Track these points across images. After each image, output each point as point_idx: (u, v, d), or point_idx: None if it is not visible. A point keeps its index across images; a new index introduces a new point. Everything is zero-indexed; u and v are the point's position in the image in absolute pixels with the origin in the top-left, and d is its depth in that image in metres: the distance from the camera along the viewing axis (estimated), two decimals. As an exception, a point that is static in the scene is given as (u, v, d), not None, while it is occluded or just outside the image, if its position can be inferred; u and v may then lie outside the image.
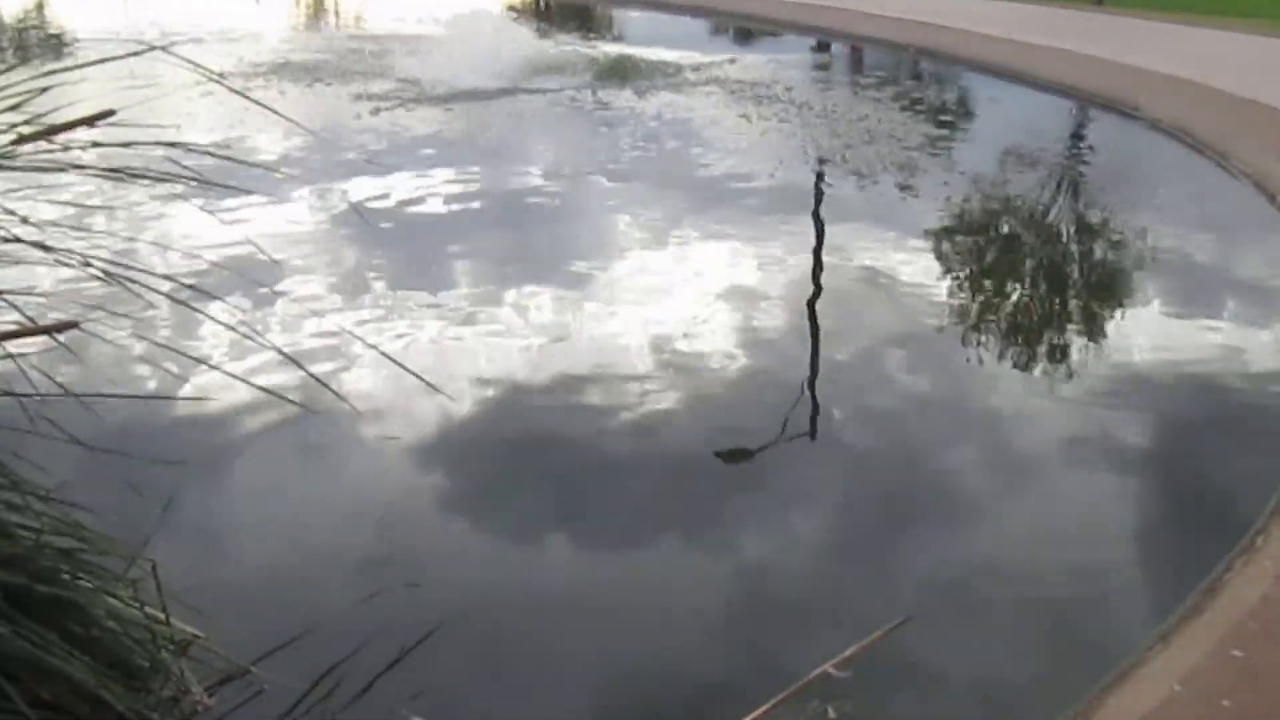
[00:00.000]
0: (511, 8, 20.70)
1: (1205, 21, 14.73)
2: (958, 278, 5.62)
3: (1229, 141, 7.63)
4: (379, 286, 5.13)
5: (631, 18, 17.65)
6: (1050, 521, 3.41)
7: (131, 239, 4.61)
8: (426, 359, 4.29)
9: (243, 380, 3.23)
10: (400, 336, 4.52)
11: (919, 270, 5.54)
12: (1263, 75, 9.74)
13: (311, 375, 2.93)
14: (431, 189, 6.78)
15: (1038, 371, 4.58)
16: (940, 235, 6.18)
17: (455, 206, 6.47)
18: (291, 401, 3.30)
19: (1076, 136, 9.17)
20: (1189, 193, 7.15)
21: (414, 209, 6.41)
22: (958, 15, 14.90)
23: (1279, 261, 5.69)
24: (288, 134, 7.74)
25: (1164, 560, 3.17)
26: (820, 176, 7.49)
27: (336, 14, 19.78)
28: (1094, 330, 5.02)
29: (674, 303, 4.99)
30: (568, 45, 14.08)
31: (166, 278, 2.63)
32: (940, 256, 5.89)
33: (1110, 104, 9.48)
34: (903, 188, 7.10)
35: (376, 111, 9.08)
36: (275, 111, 3.70)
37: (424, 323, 4.69)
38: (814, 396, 4.14)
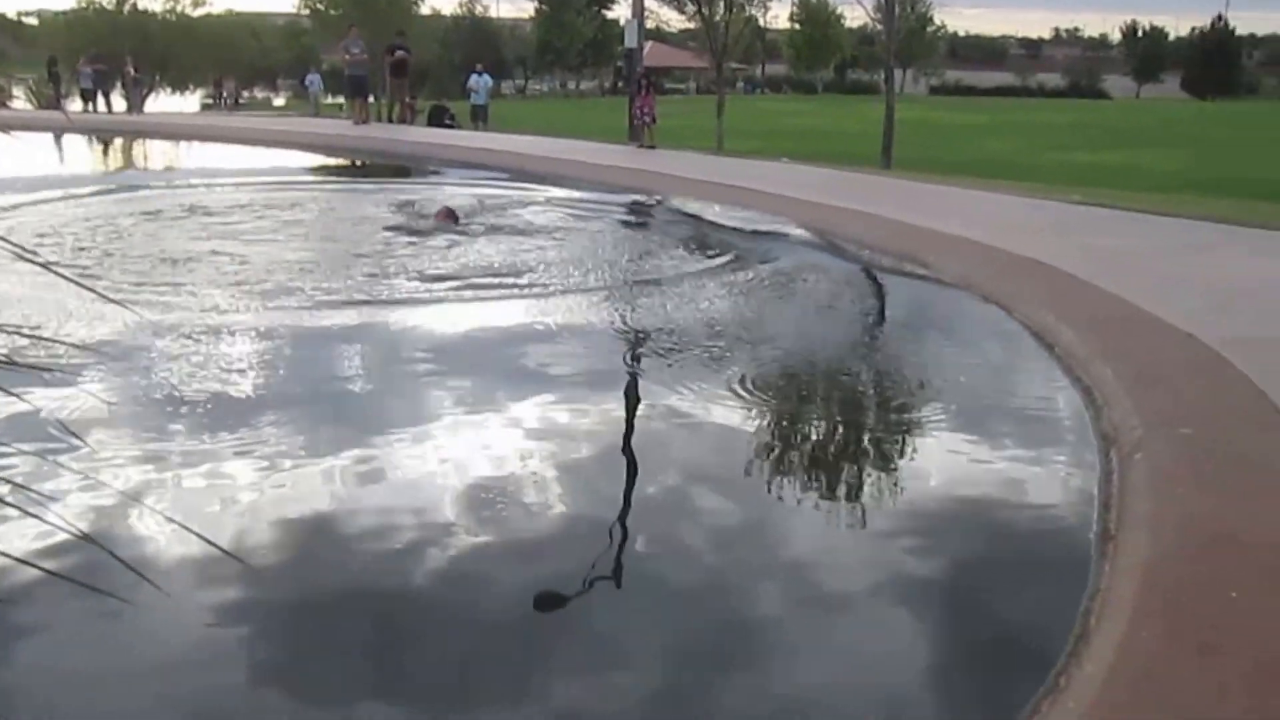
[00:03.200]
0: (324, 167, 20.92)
1: (985, 185, 15.86)
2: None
3: (1010, 297, 8.21)
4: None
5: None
6: (855, 664, 3.57)
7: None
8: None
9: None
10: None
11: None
12: (1037, 235, 10.52)
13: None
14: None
15: (835, 507, 4.83)
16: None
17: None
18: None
19: (873, 289, 9.75)
20: (975, 341, 7.71)
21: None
22: (762, 179, 15.70)
23: (1057, 402, 6.11)
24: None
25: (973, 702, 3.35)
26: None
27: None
28: (889, 464, 5.33)
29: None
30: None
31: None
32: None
33: (901, 259, 10.09)
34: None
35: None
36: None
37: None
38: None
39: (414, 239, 11.10)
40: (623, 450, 5.44)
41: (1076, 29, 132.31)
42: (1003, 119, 47.95)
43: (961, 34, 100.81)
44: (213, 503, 4.51)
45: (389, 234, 11.45)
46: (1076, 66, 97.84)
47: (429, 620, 3.77)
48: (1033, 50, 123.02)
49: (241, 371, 6.40)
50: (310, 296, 8.41)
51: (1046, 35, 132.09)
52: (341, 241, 11.22)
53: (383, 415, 5.76)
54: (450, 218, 12.07)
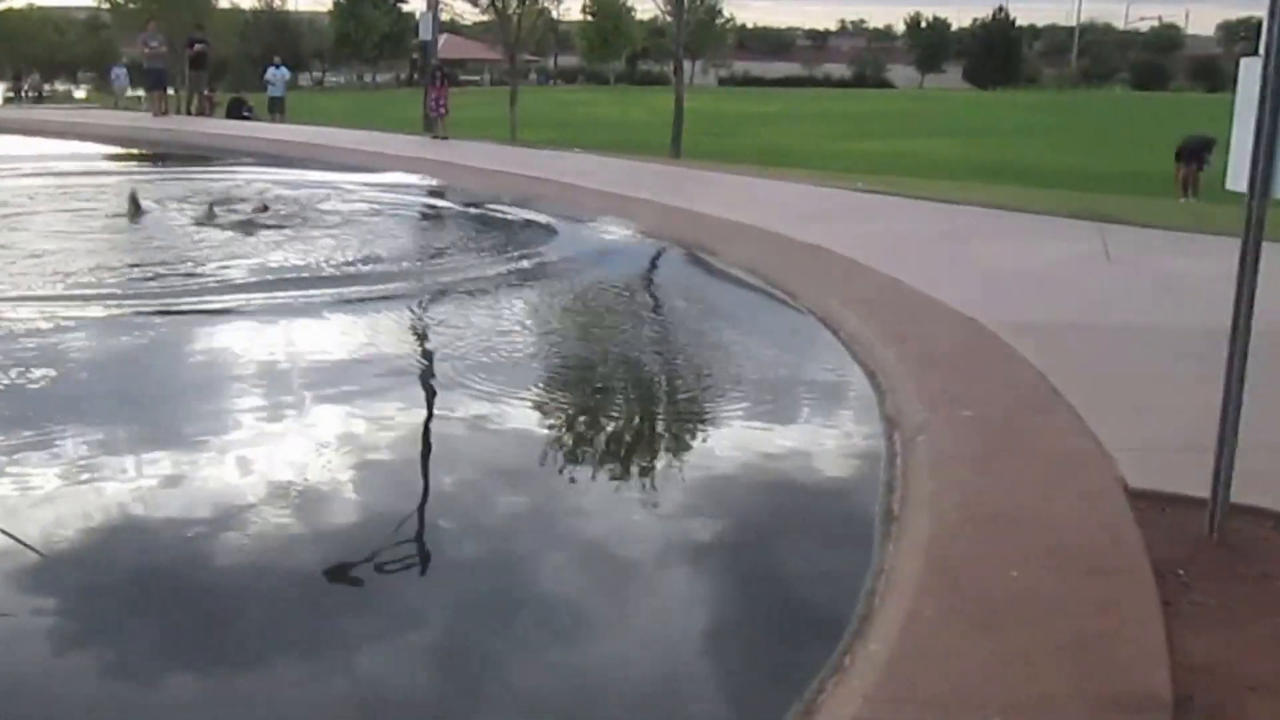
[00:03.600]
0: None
1: (771, 174, 16.09)
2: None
3: (795, 282, 8.29)
4: None
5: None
6: (639, 647, 3.51)
7: None
8: None
9: None
10: None
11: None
12: (821, 222, 10.68)
13: None
14: None
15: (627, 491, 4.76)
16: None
17: None
18: None
19: (660, 275, 9.74)
20: (762, 326, 7.75)
21: None
22: (553, 169, 15.59)
23: (843, 385, 6.16)
24: None
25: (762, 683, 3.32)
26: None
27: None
28: (678, 448, 5.30)
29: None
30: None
31: None
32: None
33: (688, 247, 10.10)
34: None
35: None
36: None
37: None
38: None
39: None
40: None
41: (862, 20, 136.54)
42: (790, 109, 48.98)
43: (750, 25, 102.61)
44: None
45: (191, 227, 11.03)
46: (862, 57, 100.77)
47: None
48: (819, 41, 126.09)
49: None
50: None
51: (833, 27, 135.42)
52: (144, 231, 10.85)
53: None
54: (261, 210, 11.83)
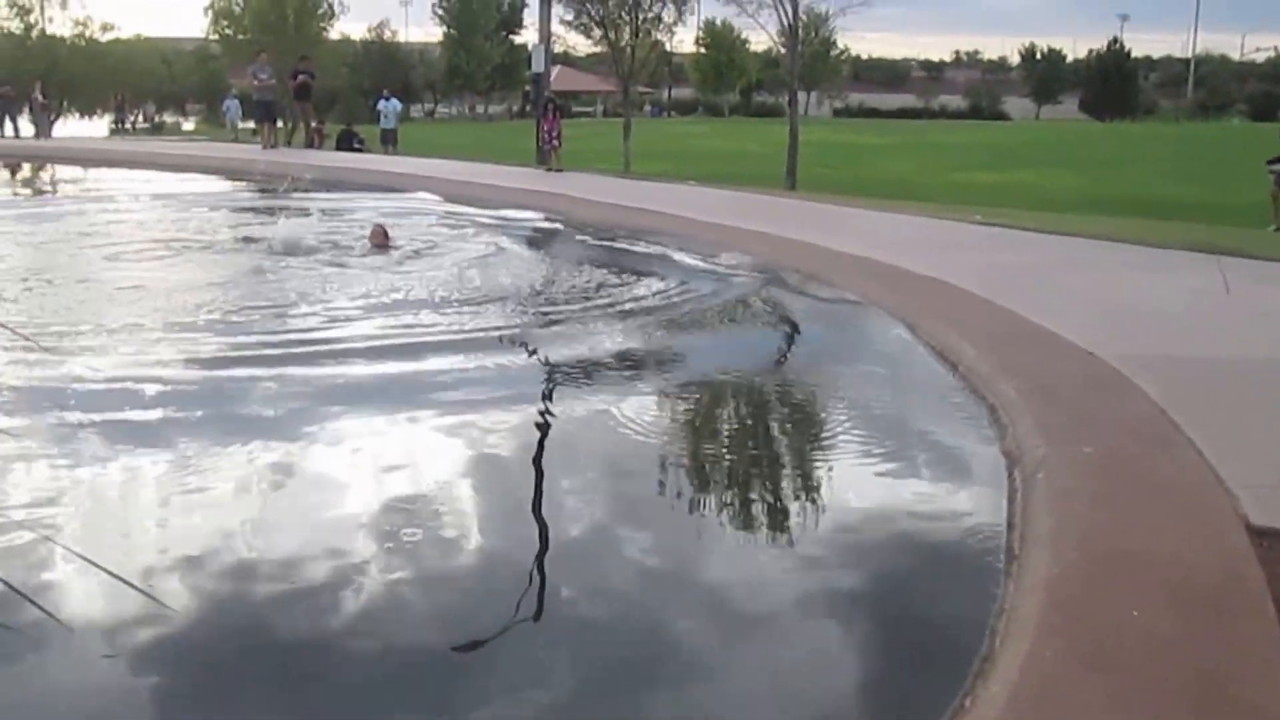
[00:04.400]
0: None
1: (887, 206, 16.06)
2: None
3: (913, 314, 8.28)
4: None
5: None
6: (759, 682, 3.56)
7: None
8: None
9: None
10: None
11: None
12: (939, 253, 10.65)
13: None
14: None
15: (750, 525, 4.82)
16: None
17: None
18: None
19: (779, 309, 9.77)
20: (880, 358, 7.76)
21: None
22: (668, 201, 15.74)
23: (962, 419, 6.14)
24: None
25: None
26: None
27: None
28: (802, 482, 5.36)
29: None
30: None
31: None
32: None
33: (806, 279, 10.14)
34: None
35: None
36: None
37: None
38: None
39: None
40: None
41: (976, 52, 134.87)
42: (905, 140, 48.71)
43: (864, 57, 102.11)
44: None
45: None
46: (977, 89, 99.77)
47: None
48: (934, 73, 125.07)
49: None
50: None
51: (947, 58, 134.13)
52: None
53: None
54: (383, 239, 12.02)
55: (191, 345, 7.60)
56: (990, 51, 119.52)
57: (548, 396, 6.78)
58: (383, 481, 5.14)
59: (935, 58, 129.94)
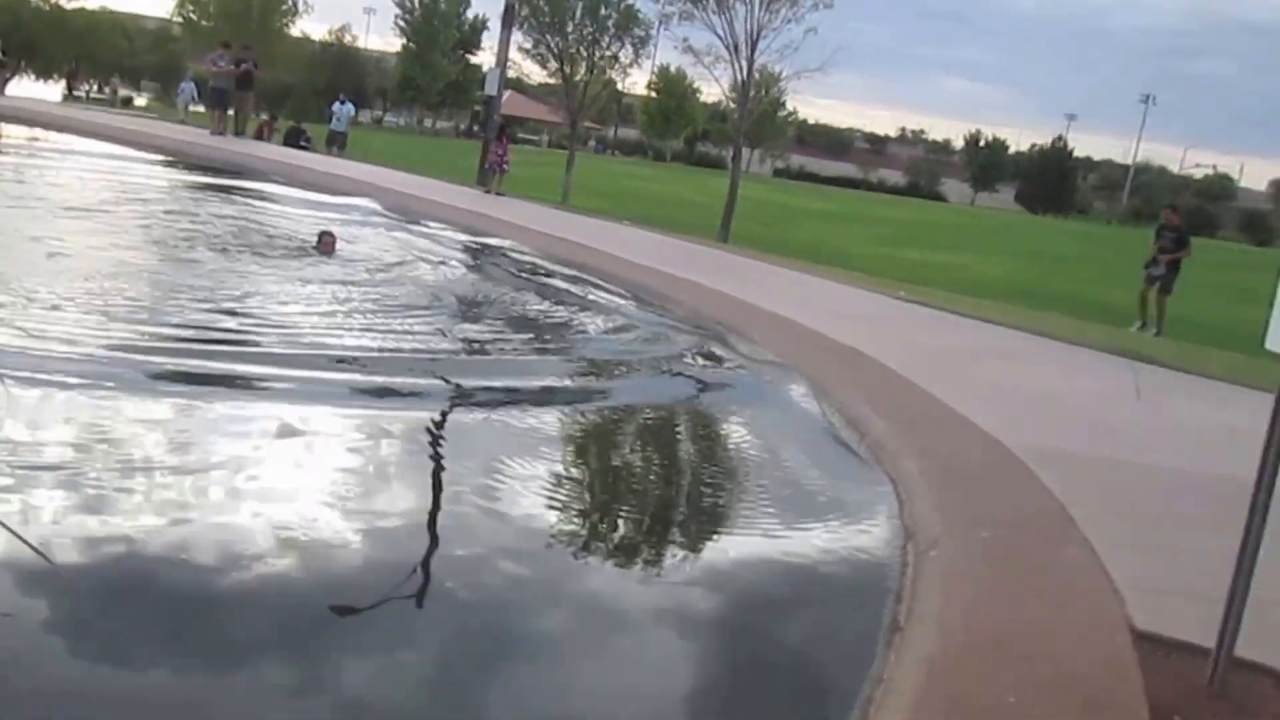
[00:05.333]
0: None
1: (816, 271, 16.23)
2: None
3: (827, 381, 8.34)
4: None
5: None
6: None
7: None
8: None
9: None
10: None
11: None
12: (861, 324, 10.78)
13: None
14: None
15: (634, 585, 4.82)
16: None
17: None
18: None
19: (704, 359, 9.77)
20: (789, 422, 7.78)
21: None
22: (602, 239, 15.78)
23: (863, 492, 6.19)
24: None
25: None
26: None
27: None
28: (691, 535, 5.38)
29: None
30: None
31: None
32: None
33: (727, 331, 10.19)
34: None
35: None
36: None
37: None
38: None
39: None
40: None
41: (922, 131, 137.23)
42: (841, 208, 49.38)
43: (810, 121, 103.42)
44: None
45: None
46: (918, 166, 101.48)
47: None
48: (878, 146, 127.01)
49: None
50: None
51: (893, 133, 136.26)
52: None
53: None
54: (330, 246, 11.95)
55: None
56: (936, 133, 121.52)
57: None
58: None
59: (881, 131, 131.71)
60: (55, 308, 7.77)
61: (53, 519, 4.35)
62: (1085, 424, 7.94)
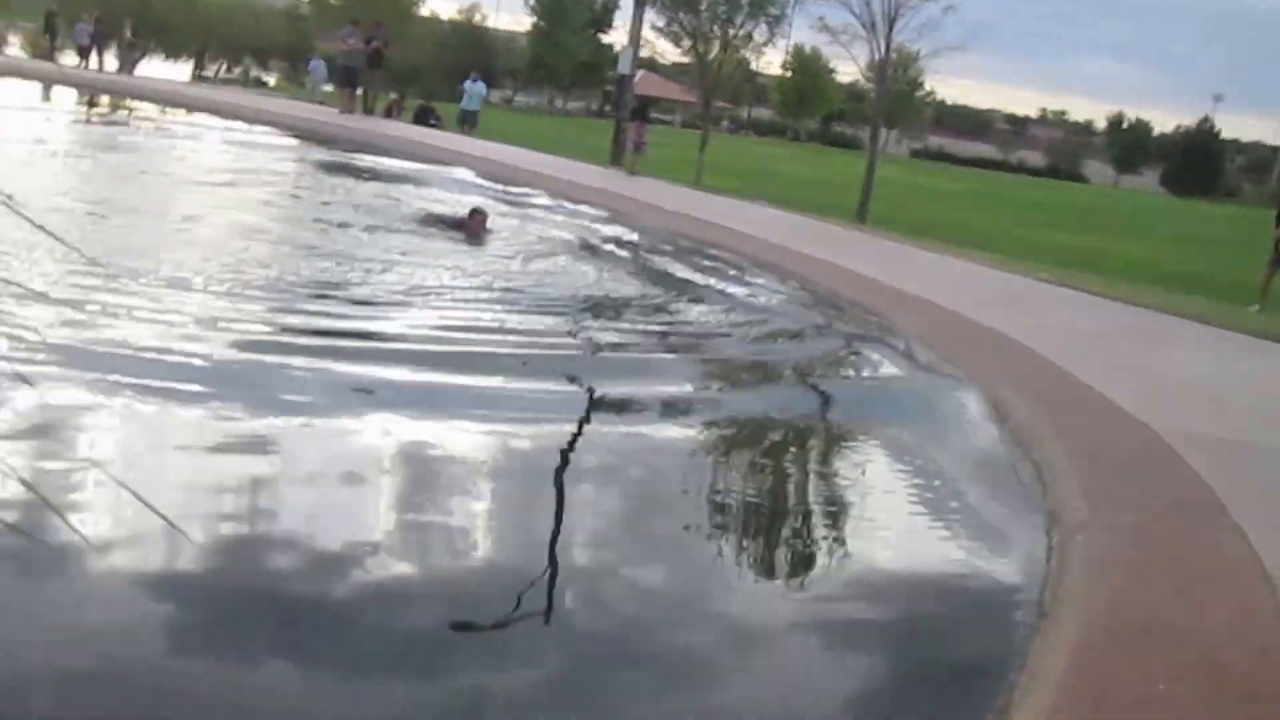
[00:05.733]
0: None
1: (956, 252, 15.97)
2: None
3: (967, 364, 8.23)
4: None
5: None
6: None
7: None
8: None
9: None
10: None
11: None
12: (1000, 308, 10.59)
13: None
14: None
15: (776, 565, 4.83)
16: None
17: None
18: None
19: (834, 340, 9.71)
20: (931, 404, 7.69)
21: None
22: (740, 219, 15.78)
23: (1007, 474, 6.10)
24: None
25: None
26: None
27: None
28: (834, 521, 5.35)
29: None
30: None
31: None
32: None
33: (869, 314, 10.11)
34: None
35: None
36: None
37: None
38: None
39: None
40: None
41: (1063, 112, 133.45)
42: (981, 189, 48.46)
43: (949, 103, 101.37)
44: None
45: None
46: (1059, 148, 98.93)
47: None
48: (1017, 127, 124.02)
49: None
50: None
51: (1033, 114, 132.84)
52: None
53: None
54: (481, 222, 11.90)
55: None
56: (1078, 113, 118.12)
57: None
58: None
59: (1021, 112, 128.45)
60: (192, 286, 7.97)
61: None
62: (1235, 408, 7.69)
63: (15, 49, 47.30)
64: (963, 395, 7.60)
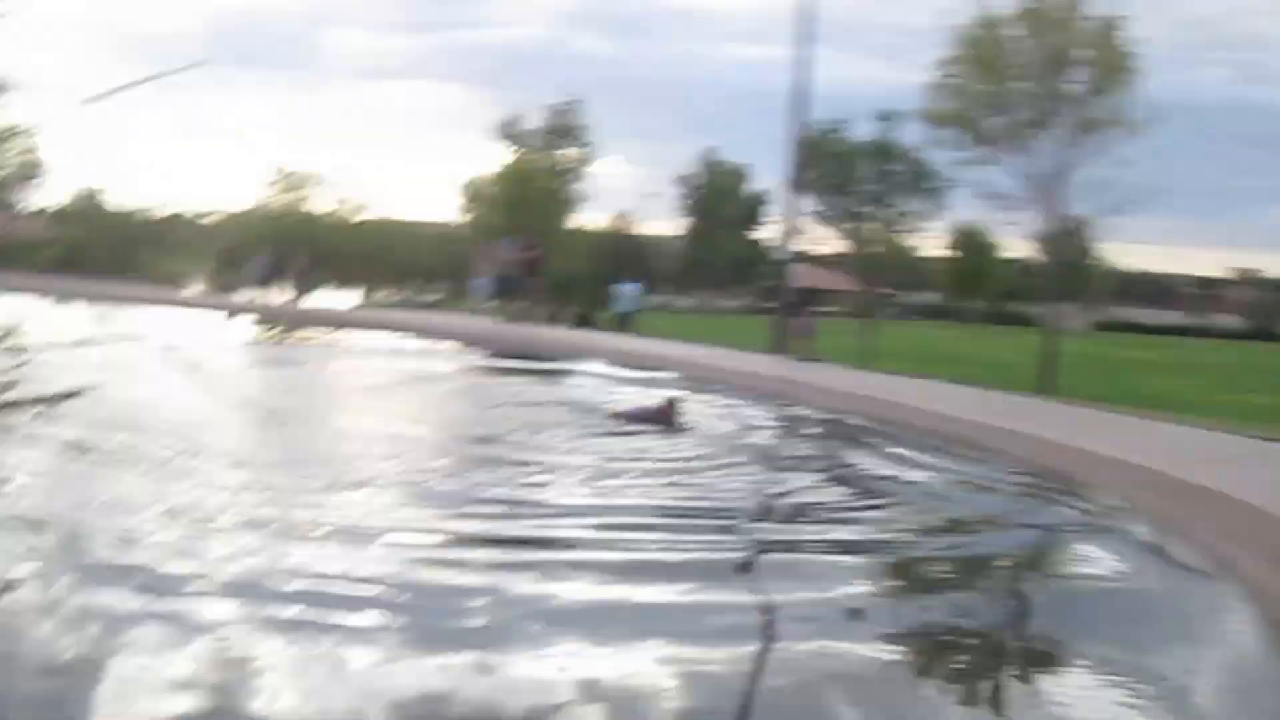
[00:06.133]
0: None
1: (1153, 416, 15.34)
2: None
3: (1185, 522, 7.74)
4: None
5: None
6: None
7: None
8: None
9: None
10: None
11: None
12: (1214, 467, 9.98)
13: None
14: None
15: None
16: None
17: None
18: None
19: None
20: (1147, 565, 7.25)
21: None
22: (920, 397, 15.49)
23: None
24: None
25: None
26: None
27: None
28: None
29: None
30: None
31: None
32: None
33: (1068, 481, 9.67)
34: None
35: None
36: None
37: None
38: None
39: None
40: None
41: (1258, 270, 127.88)
42: (1173, 356, 46.84)
43: (1127, 270, 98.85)
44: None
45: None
46: (1258, 308, 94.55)
47: None
48: (1209, 289, 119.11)
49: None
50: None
51: (1219, 274, 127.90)
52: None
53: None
54: (670, 414, 11.54)
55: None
56: (1273, 269, 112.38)
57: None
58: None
59: (1205, 273, 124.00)
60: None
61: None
62: None
63: (196, 286, 49.97)
64: (1184, 555, 7.11)
